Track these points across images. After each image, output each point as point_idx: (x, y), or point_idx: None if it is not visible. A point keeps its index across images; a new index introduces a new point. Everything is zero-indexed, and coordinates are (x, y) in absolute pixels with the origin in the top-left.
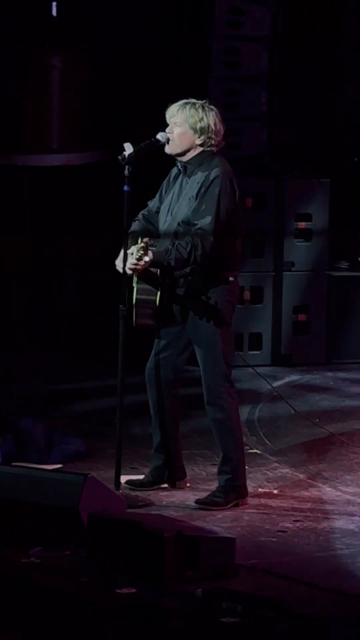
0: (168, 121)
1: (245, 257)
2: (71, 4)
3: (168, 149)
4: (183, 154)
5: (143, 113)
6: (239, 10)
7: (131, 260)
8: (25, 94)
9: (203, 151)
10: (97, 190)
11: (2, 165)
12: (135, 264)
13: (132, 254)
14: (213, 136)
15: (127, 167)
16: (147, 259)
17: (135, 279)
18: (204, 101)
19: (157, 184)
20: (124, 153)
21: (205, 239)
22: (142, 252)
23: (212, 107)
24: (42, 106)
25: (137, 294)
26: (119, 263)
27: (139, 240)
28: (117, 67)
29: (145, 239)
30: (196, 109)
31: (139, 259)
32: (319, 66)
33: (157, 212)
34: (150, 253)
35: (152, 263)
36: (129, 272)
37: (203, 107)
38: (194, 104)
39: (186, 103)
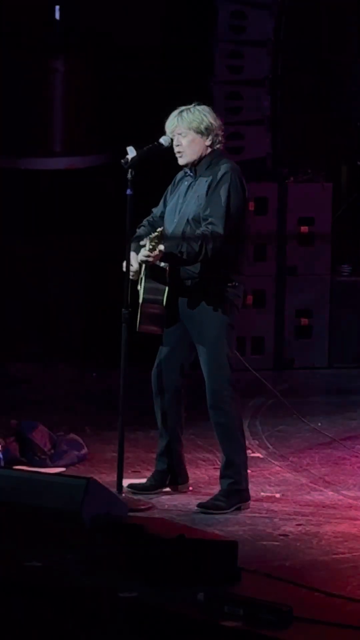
0: (170, 135)
1: (248, 260)
2: (74, 8)
3: (182, 161)
4: (198, 161)
5: (146, 117)
6: (241, 15)
7: (144, 252)
8: (28, 97)
9: (213, 151)
10: (100, 193)
11: (5, 169)
12: (148, 255)
13: (144, 245)
14: (219, 132)
15: (129, 170)
16: (161, 247)
17: (142, 278)
18: (193, 104)
19: (160, 188)
20: (127, 157)
21: (216, 233)
22: (156, 241)
23: (202, 105)
24: (44, 110)
25: (144, 294)
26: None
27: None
28: (120, 71)
29: (160, 229)
30: (192, 113)
31: (153, 248)
32: (321, 70)
33: (162, 217)
34: (164, 242)
35: (163, 256)
36: (132, 269)
37: (197, 109)
38: (188, 109)
39: (180, 111)
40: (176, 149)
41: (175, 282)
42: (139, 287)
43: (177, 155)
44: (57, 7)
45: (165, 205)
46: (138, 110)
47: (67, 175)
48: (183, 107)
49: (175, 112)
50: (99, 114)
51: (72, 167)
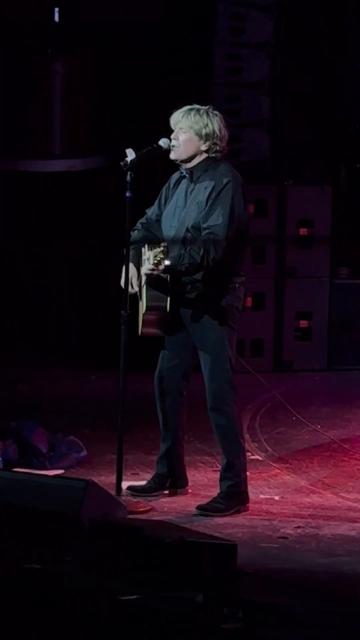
0: (173, 127)
1: (247, 263)
2: (74, 8)
3: (173, 155)
4: (188, 160)
5: (145, 119)
6: (240, 17)
7: (148, 266)
8: (28, 99)
9: (208, 157)
10: (100, 195)
11: (5, 171)
12: (153, 269)
13: (148, 259)
14: (218, 142)
15: (129, 173)
16: (167, 262)
17: (143, 286)
18: (207, 107)
19: (159, 190)
20: (126, 159)
21: (217, 244)
22: (162, 255)
23: (216, 112)
24: (44, 112)
25: (148, 302)
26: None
27: (145, 249)
28: (120, 72)
29: (164, 243)
30: (200, 115)
31: (158, 263)
32: (321, 72)
33: (157, 219)
34: (168, 257)
35: (166, 270)
36: (134, 284)
37: (207, 113)
38: (198, 110)
39: (190, 109)
40: (172, 142)
41: (176, 288)
42: (139, 294)
43: (171, 148)
44: (57, 9)
45: (160, 208)
46: (138, 111)
47: (66, 177)
48: (195, 106)
49: (185, 108)
50: (98, 115)
51: (72, 169)
